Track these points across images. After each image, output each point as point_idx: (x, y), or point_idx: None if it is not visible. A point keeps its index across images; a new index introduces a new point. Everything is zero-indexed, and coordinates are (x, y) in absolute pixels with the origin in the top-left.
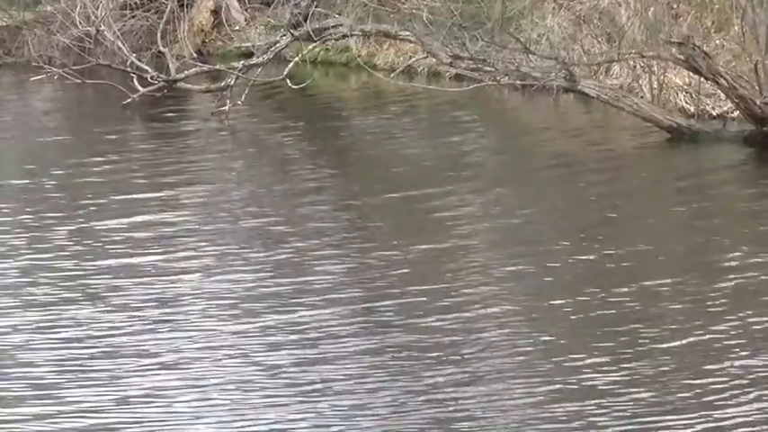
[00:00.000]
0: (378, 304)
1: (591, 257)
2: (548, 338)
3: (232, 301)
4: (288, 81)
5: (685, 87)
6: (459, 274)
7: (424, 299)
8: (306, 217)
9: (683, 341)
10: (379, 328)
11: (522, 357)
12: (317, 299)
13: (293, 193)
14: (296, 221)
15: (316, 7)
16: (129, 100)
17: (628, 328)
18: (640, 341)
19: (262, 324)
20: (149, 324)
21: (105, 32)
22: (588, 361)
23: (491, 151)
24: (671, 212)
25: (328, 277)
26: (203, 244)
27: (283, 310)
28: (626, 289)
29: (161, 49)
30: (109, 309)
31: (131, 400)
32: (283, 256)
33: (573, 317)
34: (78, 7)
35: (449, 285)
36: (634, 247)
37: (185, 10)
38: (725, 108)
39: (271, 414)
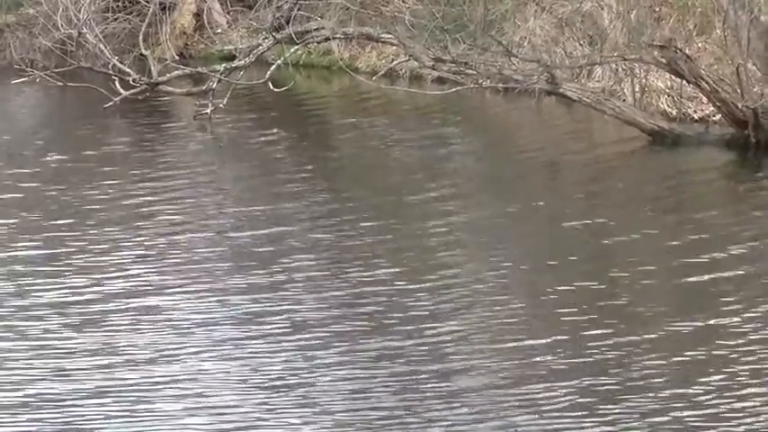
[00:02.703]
0: (357, 318)
1: (573, 261)
2: (539, 341)
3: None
4: (270, 84)
5: (667, 90)
6: (440, 280)
7: (411, 305)
8: (287, 224)
9: (669, 334)
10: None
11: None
12: (301, 307)
13: (274, 198)
14: (277, 229)
15: (298, 10)
16: (110, 103)
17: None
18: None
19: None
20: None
21: (87, 35)
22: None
23: (473, 155)
24: (652, 215)
25: (311, 281)
26: (182, 257)
27: (265, 319)
28: (610, 291)
29: (143, 51)
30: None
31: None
32: (265, 267)
33: (563, 318)
34: (60, 10)
35: (432, 291)
36: (616, 250)
37: (167, 12)
38: (707, 111)
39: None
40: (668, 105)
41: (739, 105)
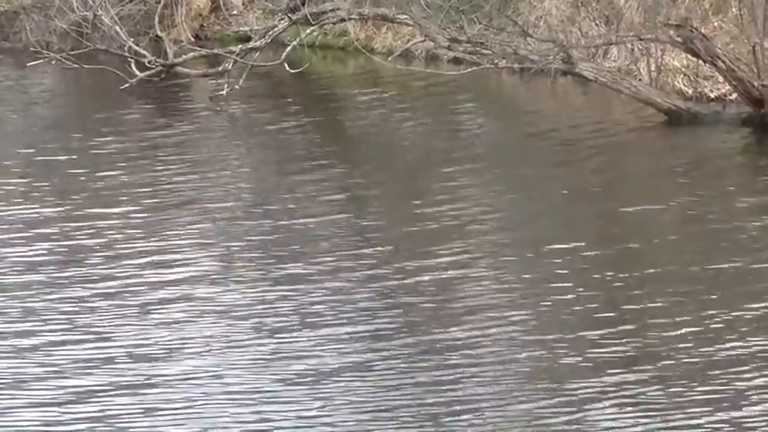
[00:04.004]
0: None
1: (592, 242)
2: (551, 326)
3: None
4: (286, 65)
5: (683, 70)
6: (459, 264)
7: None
8: (304, 207)
9: (692, 327)
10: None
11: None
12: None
13: (291, 182)
14: (295, 212)
15: None
16: (126, 85)
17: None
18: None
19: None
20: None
21: (103, 17)
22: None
23: (489, 135)
24: (670, 194)
25: (329, 266)
26: (198, 243)
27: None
28: (627, 274)
29: (159, 33)
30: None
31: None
32: (282, 252)
33: (577, 306)
34: None
35: (450, 274)
36: (635, 229)
37: None
38: (723, 90)
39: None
40: (684, 84)
41: (755, 84)
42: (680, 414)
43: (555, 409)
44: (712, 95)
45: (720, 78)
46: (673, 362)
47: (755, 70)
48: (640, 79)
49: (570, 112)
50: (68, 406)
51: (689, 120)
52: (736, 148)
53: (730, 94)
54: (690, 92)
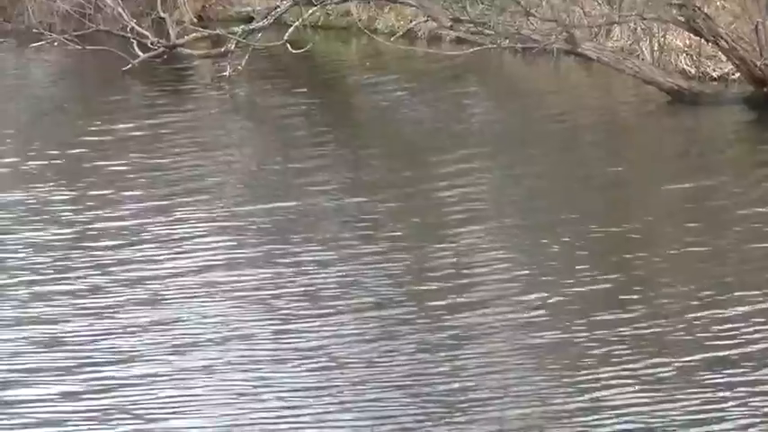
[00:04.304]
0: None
1: (602, 223)
2: (558, 317)
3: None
4: (288, 46)
5: (686, 49)
6: (463, 246)
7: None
8: (313, 191)
9: (711, 309)
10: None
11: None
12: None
13: (299, 164)
14: (304, 195)
15: None
16: (129, 66)
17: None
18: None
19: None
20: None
21: None
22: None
23: (491, 115)
24: (673, 174)
25: (332, 251)
26: (208, 228)
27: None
28: (641, 255)
29: (161, 14)
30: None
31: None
32: (293, 236)
33: (583, 287)
34: None
35: (463, 259)
36: (645, 210)
37: None
38: (726, 70)
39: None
40: (687, 64)
41: (758, 63)
42: (699, 397)
43: (572, 393)
44: (715, 75)
45: (723, 58)
46: (690, 345)
47: (758, 49)
48: (643, 59)
49: (573, 93)
50: (79, 396)
51: (691, 99)
52: (738, 127)
53: (733, 74)
54: (692, 71)
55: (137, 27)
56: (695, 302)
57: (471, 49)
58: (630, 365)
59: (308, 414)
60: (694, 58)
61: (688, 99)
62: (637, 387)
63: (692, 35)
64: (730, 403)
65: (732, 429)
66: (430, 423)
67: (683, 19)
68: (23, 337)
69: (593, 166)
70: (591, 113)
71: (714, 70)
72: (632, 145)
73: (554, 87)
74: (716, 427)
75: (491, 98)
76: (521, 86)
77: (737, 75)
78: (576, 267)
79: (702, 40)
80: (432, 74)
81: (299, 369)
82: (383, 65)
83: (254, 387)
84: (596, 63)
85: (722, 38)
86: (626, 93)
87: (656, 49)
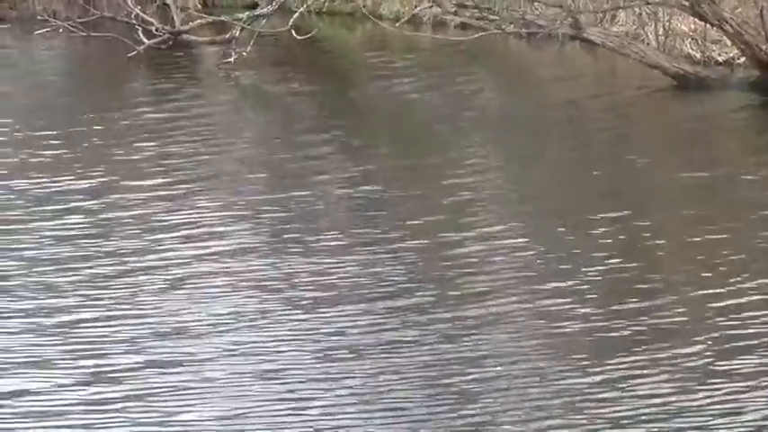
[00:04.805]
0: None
1: (616, 210)
2: (563, 308)
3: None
4: (293, 32)
5: (691, 34)
6: (486, 236)
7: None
8: (325, 179)
9: (733, 298)
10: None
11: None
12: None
13: (308, 152)
14: (316, 184)
15: None
16: (134, 52)
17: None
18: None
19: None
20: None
21: None
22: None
23: (501, 103)
24: (684, 161)
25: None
26: (223, 216)
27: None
28: (659, 243)
29: (166, 0)
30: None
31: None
32: (307, 225)
33: (581, 279)
34: None
35: (478, 247)
36: (644, 195)
37: None
38: (731, 54)
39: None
40: (692, 49)
41: (763, 48)
42: (724, 387)
43: (594, 383)
44: (720, 59)
45: (728, 42)
46: (713, 333)
47: (763, 34)
48: (648, 44)
49: (578, 78)
50: (99, 385)
51: (697, 84)
52: (743, 111)
53: (738, 58)
54: (698, 56)
55: (141, 13)
56: (715, 290)
57: (476, 35)
58: (653, 354)
59: (319, 405)
60: (699, 42)
61: (693, 84)
62: (660, 376)
63: (696, 20)
64: (756, 393)
65: (757, 420)
66: (445, 413)
67: (687, 3)
68: (37, 324)
69: (604, 153)
70: (597, 99)
71: (719, 55)
72: (641, 131)
73: (560, 73)
74: (742, 417)
75: (498, 84)
76: (526, 72)
77: (743, 59)
78: (594, 255)
79: (707, 25)
80: (437, 60)
81: (311, 358)
82: (388, 51)
83: (266, 376)
84: (601, 48)
85: (727, 22)
86: (631, 78)
87: (661, 33)
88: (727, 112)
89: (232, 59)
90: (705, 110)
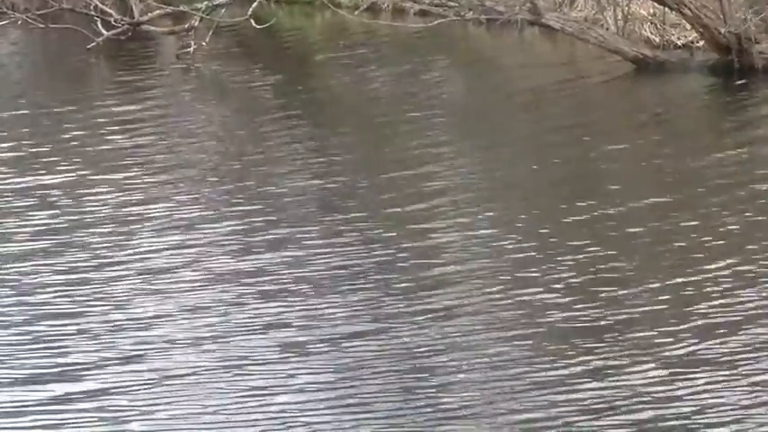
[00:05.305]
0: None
1: (569, 200)
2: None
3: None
4: (252, 21)
5: (650, 18)
6: (432, 225)
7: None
8: (289, 171)
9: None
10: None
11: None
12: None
13: (270, 144)
14: (280, 176)
15: None
16: (93, 44)
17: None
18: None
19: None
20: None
21: None
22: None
23: (456, 87)
24: (638, 143)
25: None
26: (191, 209)
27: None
28: (635, 230)
29: None
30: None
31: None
32: (273, 216)
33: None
34: None
35: (450, 238)
36: (613, 181)
37: None
38: (690, 38)
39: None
40: (651, 33)
41: (722, 31)
42: (705, 376)
43: (570, 375)
44: (679, 43)
45: (687, 26)
46: (691, 320)
47: (722, 17)
48: (607, 28)
49: (538, 64)
50: (63, 381)
51: (656, 68)
52: (703, 95)
53: (697, 42)
54: (657, 40)
55: (100, 5)
56: (691, 277)
57: (435, 22)
58: (632, 342)
59: (289, 398)
60: (659, 26)
61: (653, 68)
62: (640, 366)
63: (656, 3)
64: (737, 380)
65: (736, 409)
66: (420, 405)
67: None
68: (4, 319)
69: (568, 139)
70: (555, 84)
71: (678, 38)
72: (604, 117)
73: (520, 59)
74: (723, 405)
75: (459, 72)
76: (487, 59)
77: (702, 43)
78: (568, 243)
79: (666, 9)
80: (397, 47)
81: (281, 350)
82: (347, 38)
83: (236, 369)
84: (561, 33)
85: (686, 6)
86: (591, 63)
87: (620, 18)
88: (688, 96)
89: (191, 50)
90: (666, 94)
